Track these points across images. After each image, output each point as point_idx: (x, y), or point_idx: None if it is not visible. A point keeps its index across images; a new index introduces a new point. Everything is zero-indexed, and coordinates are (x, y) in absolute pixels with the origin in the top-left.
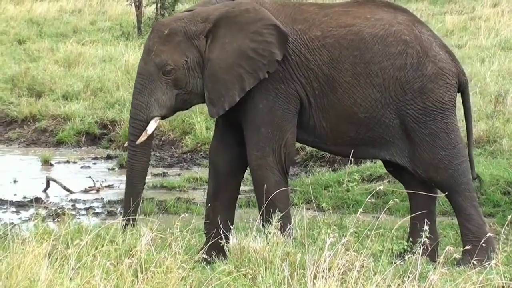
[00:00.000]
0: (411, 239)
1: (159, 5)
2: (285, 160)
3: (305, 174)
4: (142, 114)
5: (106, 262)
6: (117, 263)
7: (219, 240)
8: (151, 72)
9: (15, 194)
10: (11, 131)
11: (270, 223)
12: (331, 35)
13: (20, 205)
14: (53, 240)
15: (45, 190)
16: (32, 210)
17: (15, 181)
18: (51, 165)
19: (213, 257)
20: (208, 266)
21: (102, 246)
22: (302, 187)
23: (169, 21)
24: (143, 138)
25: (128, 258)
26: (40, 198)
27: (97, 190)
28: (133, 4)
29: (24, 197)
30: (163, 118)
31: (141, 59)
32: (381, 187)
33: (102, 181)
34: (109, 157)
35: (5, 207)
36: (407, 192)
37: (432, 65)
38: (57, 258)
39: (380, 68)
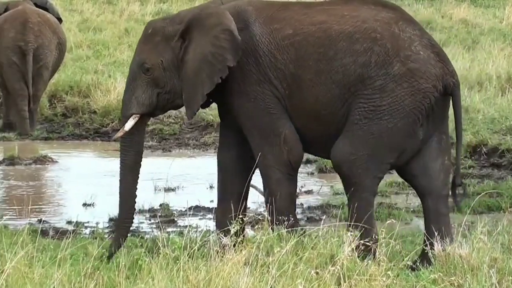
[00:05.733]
0: None
1: None
2: (288, 156)
3: (511, 177)
4: (125, 111)
5: (310, 270)
6: (319, 271)
7: (424, 247)
8: (134, 70)
9: (211, 201)
10: (206, 136)
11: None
12: (301, 33)
13: None
14: (252, 248)
15: None
16: None
17: (211, 187)
18: None
19: (417, 264)
20: (413, 274)
21: (304, 253)
22: (508, 191)
23: (157, 20)
24: (119, 134)
25: (332, 266)
26: None
27: (297, 196)
28: None
29: None
30: (152, 116)
31: None
32: None
33: (301, 186)
34: (308, 162)
35: (201, 213)
36: None
37: (400, 65)
38: (256, 266)
39: (341, 65)
